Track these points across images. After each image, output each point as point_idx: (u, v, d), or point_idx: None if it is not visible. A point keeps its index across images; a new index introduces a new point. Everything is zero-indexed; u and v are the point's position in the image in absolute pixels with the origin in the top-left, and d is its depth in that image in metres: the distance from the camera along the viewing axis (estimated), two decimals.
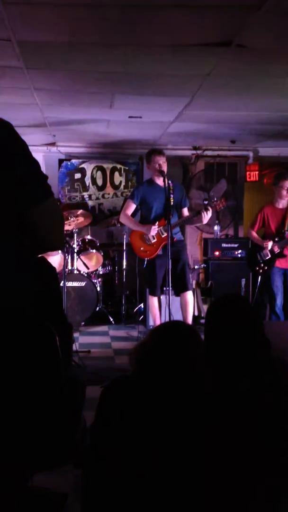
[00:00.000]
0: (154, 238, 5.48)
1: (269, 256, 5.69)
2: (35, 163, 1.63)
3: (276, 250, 5.65)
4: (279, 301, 5.72)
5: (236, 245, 6.91)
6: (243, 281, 6.70)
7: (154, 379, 1.69)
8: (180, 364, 1.70)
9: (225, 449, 1.65)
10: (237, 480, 1.64)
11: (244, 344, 1.88)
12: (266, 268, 5.73)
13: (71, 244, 6.51)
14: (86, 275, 6.55)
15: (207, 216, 5.27)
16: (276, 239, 5.67)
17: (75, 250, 6.54)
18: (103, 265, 6.99)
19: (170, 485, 1.60)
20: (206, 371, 1.73)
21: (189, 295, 5.56)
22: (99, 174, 7.99)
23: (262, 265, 5.74)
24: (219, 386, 1.77)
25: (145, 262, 5.67)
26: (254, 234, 5.88)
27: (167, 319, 5.00)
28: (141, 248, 5.61)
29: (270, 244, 5.65)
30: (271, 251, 5.68)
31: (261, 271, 5.78)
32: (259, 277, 5.87)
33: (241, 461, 1.66)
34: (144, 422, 1.66)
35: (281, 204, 5.74)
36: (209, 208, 5.26)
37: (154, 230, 5.46)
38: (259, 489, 1.65)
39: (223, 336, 1.92)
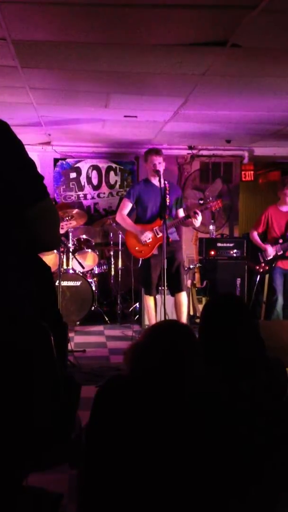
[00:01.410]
0: (149, 238, 5.49)
1: (271, 256, 5.76)
2: (31, 163, 1.64)
3: (279, 252, 5.71)
4: (280, 299, 5.77)
5: (231, 245, 6.92)
6: (238, 281, 6.71)
7: (149, 379, 1.69)
8: (175, 363, 1.70)
9: (222, 449, 1.65)
10: (233, 480, 1.64)
11: (239, 344, 1.89)
12: (267, 268, 5.79)
13: (66, 243, 6.50)
14: (81, 274, 6.54)
15: (197, 221, 5.31)
16: (280, 241, 5.73)
17: (71, 250, 6.53)
18: (99, 265, 6.99)
19: (166, 484, 1.60)
20: (202, 371, 1.73)
21: (183, 296, 5.57)
22: (94, 174, 7.98)
23: (263, 264, 5.79)
24: (215, 386, 1.77)
25: (140, 262, 5.68)
26: (256, 236, 5.92)
27: (163, 319, 5.00)
28: (136, 248, 5.61)
29: (269, 249, 5.71)
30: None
31: (261, 270, 5.84)
32: (258, 276, 5.91)
33: (237, 461, 1.66)
34: (139, 422, 1.66)
35: (286, 208, 5.81)
36: (198, 212, 5.29)
37: (146, 236, 5.45)
38: (255, 489, 1.65)
39: (218, 336, 1.92)
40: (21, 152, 1.62)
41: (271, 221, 5.85)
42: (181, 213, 5.62)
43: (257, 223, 5.96)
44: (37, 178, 1.64)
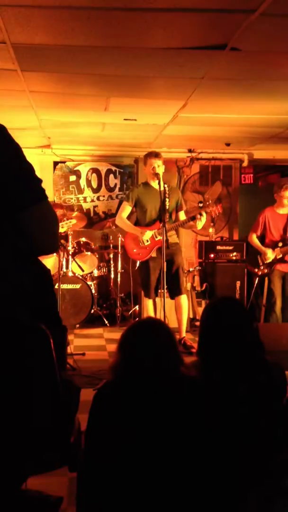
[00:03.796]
0: (148, 241, 5.50)
1: (270, 260, 5.74)
2: (29, 166, 1.64)
3: (278, 255, 5.70)
4: (278, 302, 5.76)
5: (231, 248, 6.92)
6: (238, 284, 6.71)
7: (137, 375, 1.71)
8: (149, 358, 1.73)
9: (221, 450, 1.65)
10: (233, 481, 1.64)
11: (238, 347, 1.89)
12: (266, 271, 5.78)
13: (66, 246, 6.50)
14: (81, 277, 6.54)
15: (201, 223, 5.30)
16: (279, 245, 5.71)
17: (70, 253, 6.53)
18: (98, 268, 6.99)
19: (165, 486, 1.60)
20: (175, 366, 1.77)
21: (183, 299, 5.57)
22: (94, 177, 7.99)
23: (262, 267, 5.78)
24: (214, 388, 1.77)
25: (137, 264, 5.69)
26: (255, 240, 5.89)
27: None
28: (134, 250, 5.63)
29: (269, 253, 5.70)
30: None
31: (260, 273, 5.82)
32: (257, 279, 5.91)
33: (237, 463, 1.66)
34: (137, 422, 1.65)
35: (282, 211, 5.80)
36: (202, 214, 5.28)
37: (148, 235, 5.47)
38: (252, 490, 1.65)
39: (217, 339, 1.93)
40: (18, 155, 1.62)
41: (269, 224, 5.82)
42: (181, 215, 5.62)
43: (255, 226, 5.94)
44: (35, 181, 1.64)
